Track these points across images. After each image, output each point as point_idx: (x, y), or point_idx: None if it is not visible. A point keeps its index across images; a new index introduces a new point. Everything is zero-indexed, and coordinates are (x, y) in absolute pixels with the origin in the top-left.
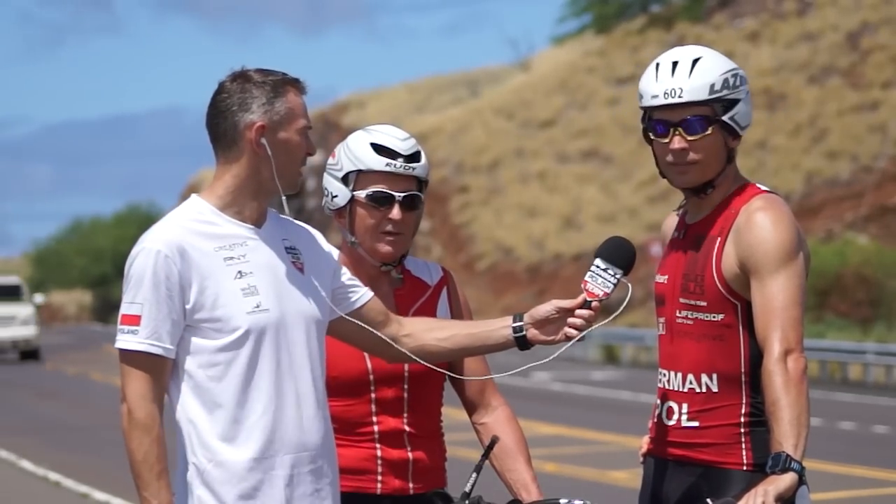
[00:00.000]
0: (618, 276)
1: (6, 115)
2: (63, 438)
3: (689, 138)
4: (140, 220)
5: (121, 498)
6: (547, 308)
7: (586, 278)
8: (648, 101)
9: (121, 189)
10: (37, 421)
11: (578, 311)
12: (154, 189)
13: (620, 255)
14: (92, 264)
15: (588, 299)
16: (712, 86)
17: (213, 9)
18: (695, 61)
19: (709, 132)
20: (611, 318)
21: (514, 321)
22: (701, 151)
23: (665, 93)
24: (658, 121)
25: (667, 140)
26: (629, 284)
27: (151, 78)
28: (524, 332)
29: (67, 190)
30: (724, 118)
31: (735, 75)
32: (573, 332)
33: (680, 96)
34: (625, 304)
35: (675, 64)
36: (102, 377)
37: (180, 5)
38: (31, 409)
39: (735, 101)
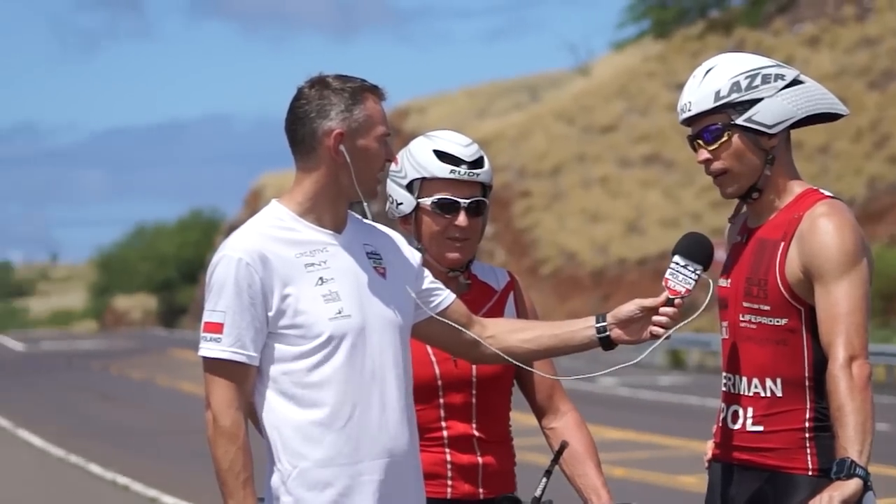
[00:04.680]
0: (698, 272)
1: (54, 122)
2: (130, 443)
3: (710, 148)
4: (203, 226)
5: (189, 502)
6: (630, 307)
7: (667, 276)
8: (679, 118)
9: (174, 195)
10: (104, 425)
11: (662, 310)
12: (209, 194)
13: (698, 250)
14: (156, 269)
15: (670, 297)
16: (717, 92)
17: (245, 13)
18: (708, 71)
19: (724, 139)
20: (696, 313)
21: (598, 321)
22: (726, 159)
23: (681, 108)
24: (688, 136)
25: (696, 153)
26: (710, 280)
27: (190, 84)
28: (608, 333)
29: (119, 196)
30: (740, 121)
31: (754, 76)
32: (659, 330)
33: (689, 110)
34: (709, 298)
35: (693, 77)
36: (167, 382)
37: (211, 10)
38: (98, 414)
39: (755, 101)
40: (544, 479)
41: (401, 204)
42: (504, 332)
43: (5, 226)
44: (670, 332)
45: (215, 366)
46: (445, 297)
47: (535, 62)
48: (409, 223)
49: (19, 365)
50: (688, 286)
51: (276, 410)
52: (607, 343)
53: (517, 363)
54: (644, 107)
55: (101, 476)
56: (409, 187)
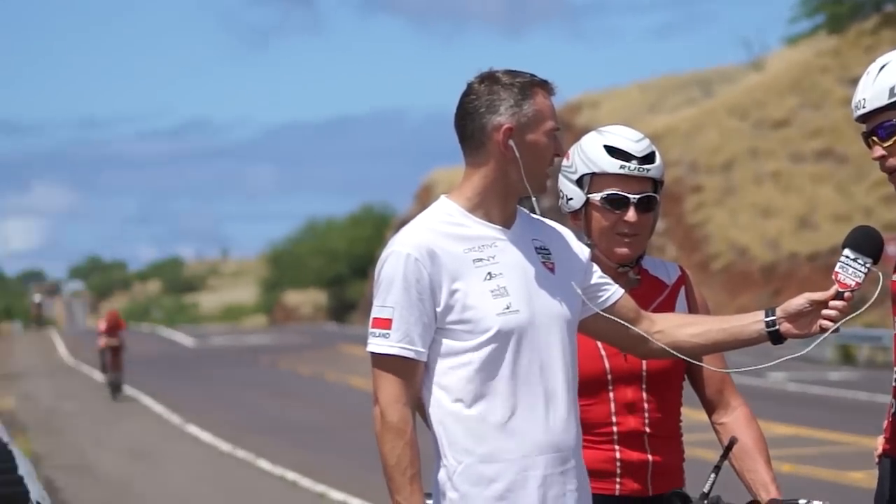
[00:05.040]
0: (868, 266)
1: (226, 118)
2: (299, 438)
3: (885, 145)
4: (374, 221)
5: (358, 498)
6: (800, 301)
7: (837, 269)
8: (853, 115)
9: (345, 190)
10: (273, 421)
11: (832, 303)
12: (380, 189)
13: (869, 244)
14: (327, 265)
15: (840, 290)
16: (892, 88)
17: (416, 9)
18: (882, 67)
19: None
20: (865, 306)
21: (767, 315)
22: None
23: (855, 105)
24: (863, 133)
25: (871, 150)
26: (880, 273)
27: (363, 79)
28: (777, 327)
29: (289, 191)
30: None
31: None
32: (828, 324)
33: (864, 106)
34: (877, 291)
35: (867, 74)
36: (337, 377)
37: (383, 5)
38: (267, 410)
39: None
40: (713, 475)
41: (571, 199)
42: (672, 327)
43: (177, 221)
44: (839, 325)
45: (383, 361)
46: (614, 292)
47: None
48: (579, 218)
49: (189, 360)
50: (857, 280)
51: (442, 406)
52: (776, 337)
53: (685, 358)
54: (817, 101)
55: (269, 472)
56: (580, 182)
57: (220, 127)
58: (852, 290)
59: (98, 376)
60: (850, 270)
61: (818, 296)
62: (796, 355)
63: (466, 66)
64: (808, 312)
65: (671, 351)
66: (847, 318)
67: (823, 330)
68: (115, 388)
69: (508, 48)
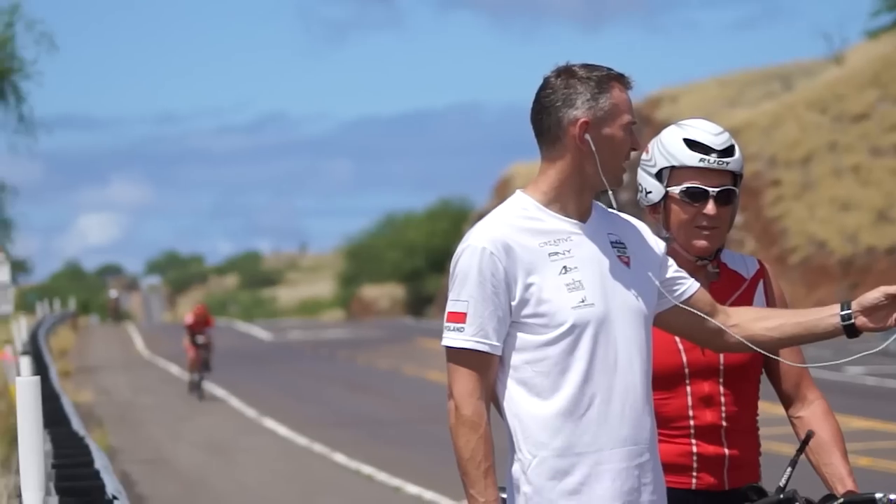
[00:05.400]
0: None
1: (304, 112)
2: (375, 432)
3: None
4: (452, 215)
5: (433, 491)
6: (875, 295)
7: None
8: None
9: (422, 184)
10: (349, 415)
11: None
12: (457, 183)
13: None
14: (404, 259)
15: None
16: None
17: (494, 4)
18: None
19: None
20: None
21: (843, 309)
22: None
23: None
24: None
25: None
26: None
27: (438, 73)
28: (853, 320)
29: (366, 185)
30: None
31: None
32: None
33: None
34: None
35: None
36: (414, 371)
37: (462, 2)
38: (344, 403)
39: None
40: (789, 469)
41: (650, 192)
42: (748, 321)
43: (255, 215)
44: None
45: (458, 355)
46: (690, 285)
47: (788, 50)
48: (658, 212)
49: (266, 354)
50: None
51: (516, 399)
52: (852, 330)
53: (762, 351)
54: None
55: (345, 465)
56: (659, 176)
57: (297, 121)
58: None
59: (175, 370)
60: None
61: (894, 289)
62: (873, 351)
63: (544, 60)
64: (884, 306)
65: (747, 343)
66: None
67: None
68: (198, 388)
69: (586, 43)
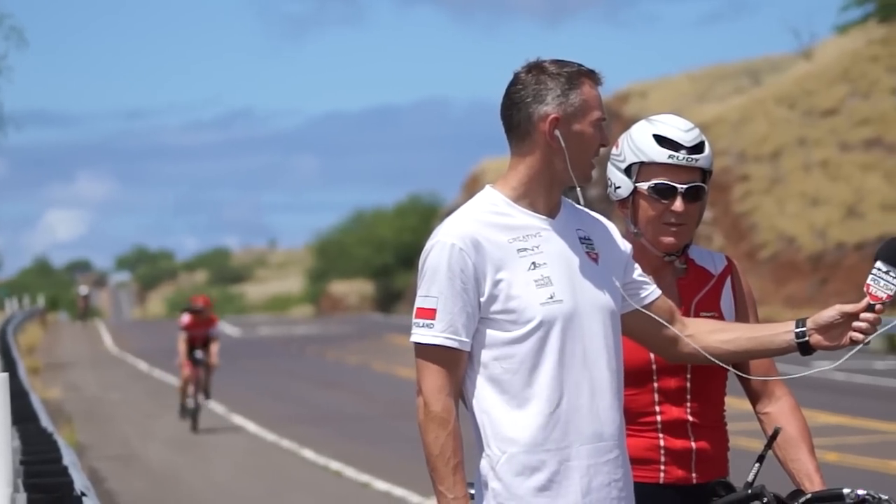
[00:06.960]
0: None
1: (271, 108)
2: (344, 428)
3: None
4: (421, 211)
5: (402, 488)
6: (830, 313)
7: (868, 282)
8: None
9: (391, 180)
10: (318, 411)
11: (863, 315)
12: (426, 179)
13: None
14: (374, 255)
15: (871, 303)
16: None
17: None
18: None
19: None
20: (893, 323)
21: (797, 326)
22: None
23: None
24: None
25: None
26: None
27: (405, 69)
28: (807, 338)
29: (336, 181)
30: None
31: None
32: (859, 336)
33: None
34: None
35: None
36: (384, 367)
37: None
38: (313, 399)
39: None
40: (757, 465)
41: (619, 187)
42: (703, 332)
43: (223, 211)
44: (870, 338)
45: (427, 351)
46: (652, 291)
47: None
48: (627, 207)
49: (235, 350)
50: (889, 292)
51: (485, 396)
52: (806, 348)
53: (716, 362)
54: (866, 91)
55: (314, 461)
56: (628, 171)
57: (265, 117)
58: (883, 303)
59: (143, 366)
60: (881, 283)
61: (849, 308)
62: (827, 368)
63: (508, 56)
64: (839, 324)
65: (703, 354)
66: (878, 331)
67: (854, 342)
68: (193, 417)
69: (549, 38)
